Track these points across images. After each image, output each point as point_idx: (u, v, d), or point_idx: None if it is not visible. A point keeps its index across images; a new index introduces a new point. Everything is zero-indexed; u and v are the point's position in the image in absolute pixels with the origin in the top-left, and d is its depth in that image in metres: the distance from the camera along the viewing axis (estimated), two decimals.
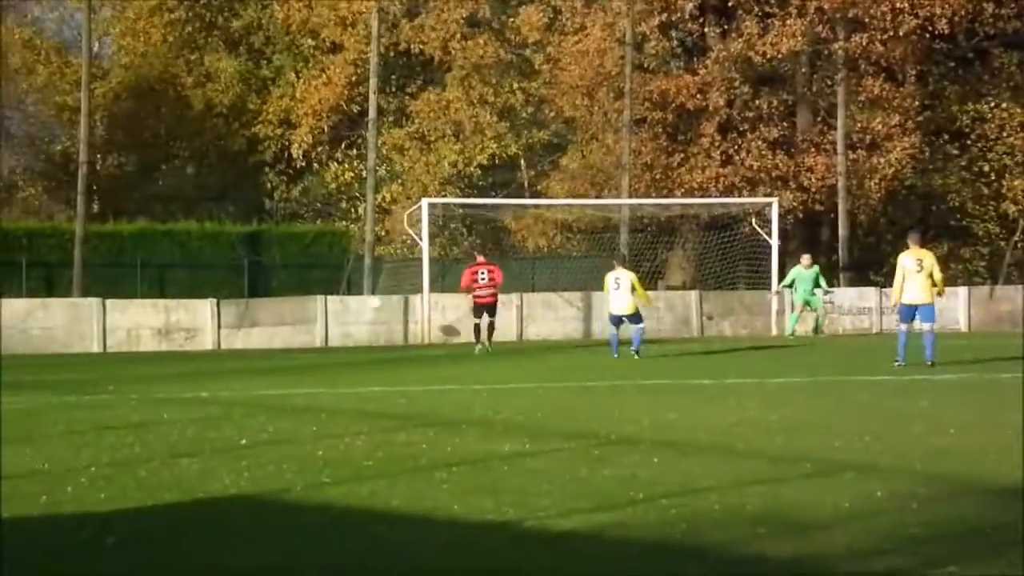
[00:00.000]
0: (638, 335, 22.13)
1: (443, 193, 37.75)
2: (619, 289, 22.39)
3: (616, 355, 22.01)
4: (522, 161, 42.65)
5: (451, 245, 38.93)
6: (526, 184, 42.61)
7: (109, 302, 28.83)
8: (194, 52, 43.36)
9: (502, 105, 40.35)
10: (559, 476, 9.07)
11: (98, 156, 40.69)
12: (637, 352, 21.84)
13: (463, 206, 36.89)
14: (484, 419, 12.60)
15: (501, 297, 28.15)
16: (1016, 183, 37.82)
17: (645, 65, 37.88)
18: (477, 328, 26.15)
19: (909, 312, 19.03)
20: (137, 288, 32.74)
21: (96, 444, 11.10)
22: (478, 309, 26.08)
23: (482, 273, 26.18)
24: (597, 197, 37.98)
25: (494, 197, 40.83)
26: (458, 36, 39.42)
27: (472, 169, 39.79)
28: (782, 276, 30.50)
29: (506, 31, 40.52)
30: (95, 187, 39.54)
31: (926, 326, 18.89)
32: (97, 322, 28.42)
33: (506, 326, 29.88)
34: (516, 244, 39.91)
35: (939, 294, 19.26)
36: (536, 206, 38.47)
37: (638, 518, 7.67)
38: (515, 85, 40.38)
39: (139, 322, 28.85)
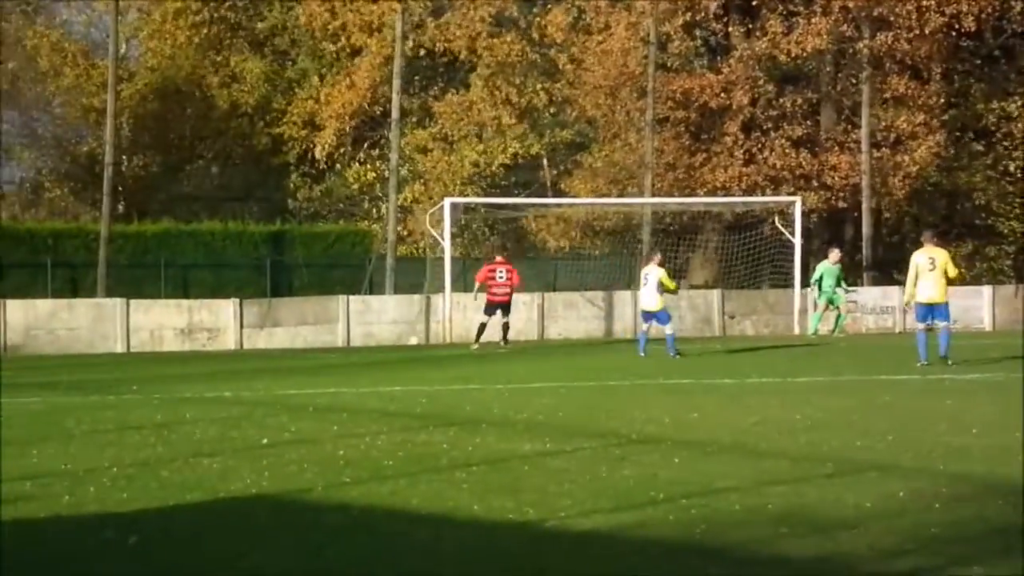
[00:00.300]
0: (671, 339, 22.07)
1: (465, 193, 37.76)
2: (647, 285, 22.51)
3: (643, 353, 21.97)
4: (544, 160, 42.63)
5: (473, 245, 38.94)
6: (548, 183, 42.58)
7: (132, 302, 28.97)
8: (219, 53, 43.51)
9: (525, 105, 40.34)
10: (580, 476, 9.06)
11: (124, 157, 40.87)
12: (676, 353, 21.74)
13: (485, 205, 36.88)
14: (505, 419, 12.60)
15: (522, 296, 28.15)
16: None
17: (668, 64, 37.78)
18: (482, 327, 26.12)
19: (925, 312, 19.07)
20: (161, 288, 32.82)
21: (119, 444, 11.15)
22: (492, 307, 26.14)
23: (500, 272, 26.24)
24: (619, 196, 37.92)
25: (516, 196, 40.81)
26: (484, 34, 39.43)
27: (494, 168, 39.81)
28: (804, 275, 30.36)
29: (532, 31, 40.50)
30: (120, 188, 39.70)
31: (941, 324, 18.96)
32: (121, 322, 28.56)
33: (527, 325, 29.86)
34: (538, 243, 39.86)
35: (956, 283, 19.35)
36: (558, 205, 38.44)
37: (659, 518, 7.65)
38: (539, 85, 40.36)
39: (162, 322, 28.98)
